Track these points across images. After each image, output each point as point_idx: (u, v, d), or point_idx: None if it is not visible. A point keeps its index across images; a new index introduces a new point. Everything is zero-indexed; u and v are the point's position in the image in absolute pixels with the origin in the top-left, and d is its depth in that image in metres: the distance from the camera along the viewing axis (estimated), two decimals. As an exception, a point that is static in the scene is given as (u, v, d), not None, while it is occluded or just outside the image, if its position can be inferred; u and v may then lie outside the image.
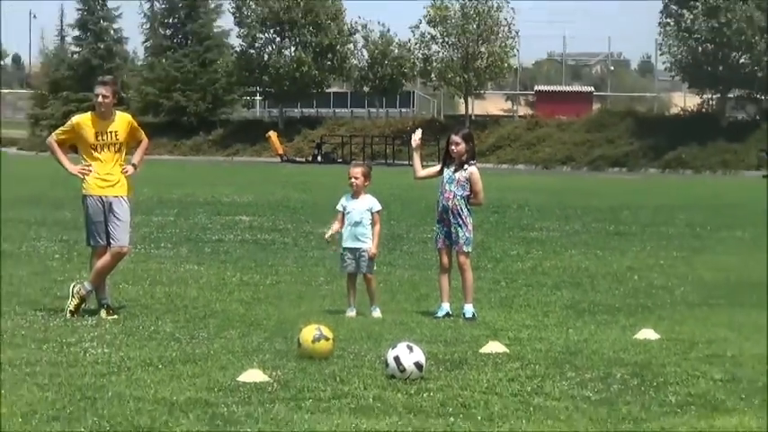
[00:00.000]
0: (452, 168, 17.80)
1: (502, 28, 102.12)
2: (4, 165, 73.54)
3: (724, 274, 23.42)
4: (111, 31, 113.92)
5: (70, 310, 16.91)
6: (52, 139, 17.92)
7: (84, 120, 17.57)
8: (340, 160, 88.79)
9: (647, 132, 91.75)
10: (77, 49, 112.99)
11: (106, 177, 17.32)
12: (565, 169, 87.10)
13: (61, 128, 18.06)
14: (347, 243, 17.82)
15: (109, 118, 17.46)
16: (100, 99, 17.44)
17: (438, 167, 18.03)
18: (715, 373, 13.62)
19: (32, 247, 26.04)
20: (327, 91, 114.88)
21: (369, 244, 17.77)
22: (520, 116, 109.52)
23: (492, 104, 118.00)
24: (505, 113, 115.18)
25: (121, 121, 17.57)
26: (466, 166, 17.82)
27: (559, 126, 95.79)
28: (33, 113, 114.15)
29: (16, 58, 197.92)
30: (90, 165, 17.31)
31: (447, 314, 17.43)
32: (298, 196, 46.23)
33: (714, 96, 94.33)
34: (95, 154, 17.36)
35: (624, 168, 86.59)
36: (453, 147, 17.86)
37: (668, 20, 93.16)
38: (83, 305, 17.04)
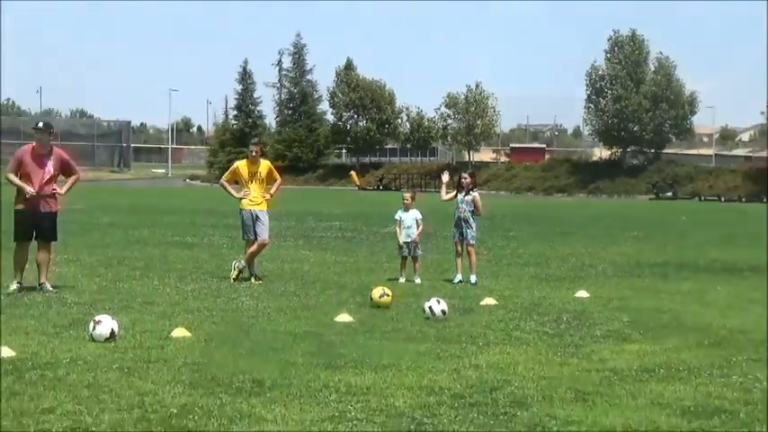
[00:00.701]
0: (463, 194, 17.76)
1: (490, 109, 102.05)
2: (192, 192, 73.43)
3: (627, 258, 23.22)
4: (256, 111, 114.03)
5: (233, 278, 16.88)
6: (223, 180, 18.00)
7: (241, 164, 17.58)
8: (393, 188, 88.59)
9: (578, 172, 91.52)
10: (235, 122, 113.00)
11: (254, 199, 17.32)
12: (528, 194, 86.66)
13: (227, 172, 18.10)
14: (403, 239, 17.79)
15: (257, 163, 17.45)
16: (253, 153, 17.45)
17: (454, 193, 17.96)
18: (624, 318, 13.49)
19: (210, 240, 26.05)
20: (385, 147, 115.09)
21: (415, 238, 17.75)
22: (501, 162, 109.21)
23: (484, 155, 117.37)
24: (492, 160, 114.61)
25: (264, 166, 17.55)
26: (471, 192, 17.78)
27: (525, 168, 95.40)
28: (209, 160, 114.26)
29: (199, 128, 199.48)
30: (249, 191, 17.32)
31: (460, 281, 17.32)
32: (368, 210, 46.18)
33: (619, 150, 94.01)
34: (248, 185, 17.36)
35: (565, 194, 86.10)
36: (463, 180, 17.88)
37: (590, 104, 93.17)
38: (240, 275, 17.00)
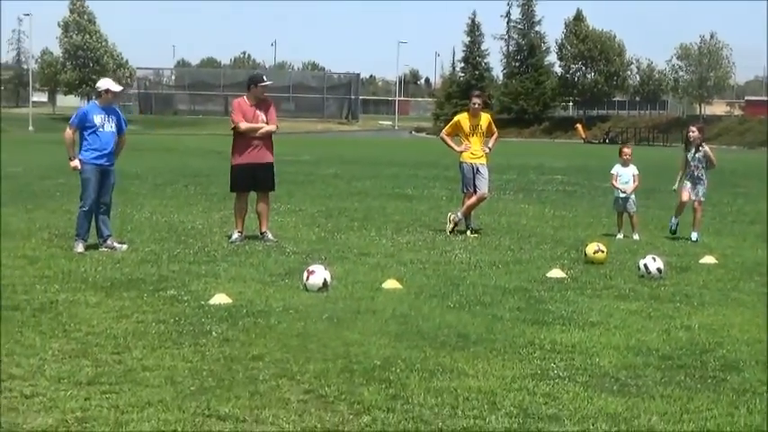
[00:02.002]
0: (693, 150, 17.02)
1: (724, 60, 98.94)
2: (417, 144, 73.89)
3: None
4: (483, 63, 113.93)
5: (449, 231, 16.95)
6: (443, 134, 17.97)
7: (462, 118, 17.54)
8: (620, 142, 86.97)
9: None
10: (462, 74, 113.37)
11: (475, 152, 17.28)
12: (762, 149, 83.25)
13: (447, 126, 18.11)
14: (617, 194, 17.47)
15: (478, 116, 17.38)
16: (476, 105, 17.38)
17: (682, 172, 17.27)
18: None
19: (429, 192, 26.24)
20: (613, 99, 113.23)
21: (631, 194, 17.37)
22: (734, 115, 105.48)
23: (717, 108, 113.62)
24: (725, 114, 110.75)
25: (484, 119, 17.48)
26: (700, 147, 17.04)
27: (759, 122, 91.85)
28: (435, 112, 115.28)
29: (426, 80, 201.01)
30: (470, 144, 17.27)
31: (674, 230, 17.10)
32: (592, 163, 45.50)
33: None
34: (469, 138, 17.32)
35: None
36: (691, 134, 17.18)
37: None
38: (456, 228, 17.04)
